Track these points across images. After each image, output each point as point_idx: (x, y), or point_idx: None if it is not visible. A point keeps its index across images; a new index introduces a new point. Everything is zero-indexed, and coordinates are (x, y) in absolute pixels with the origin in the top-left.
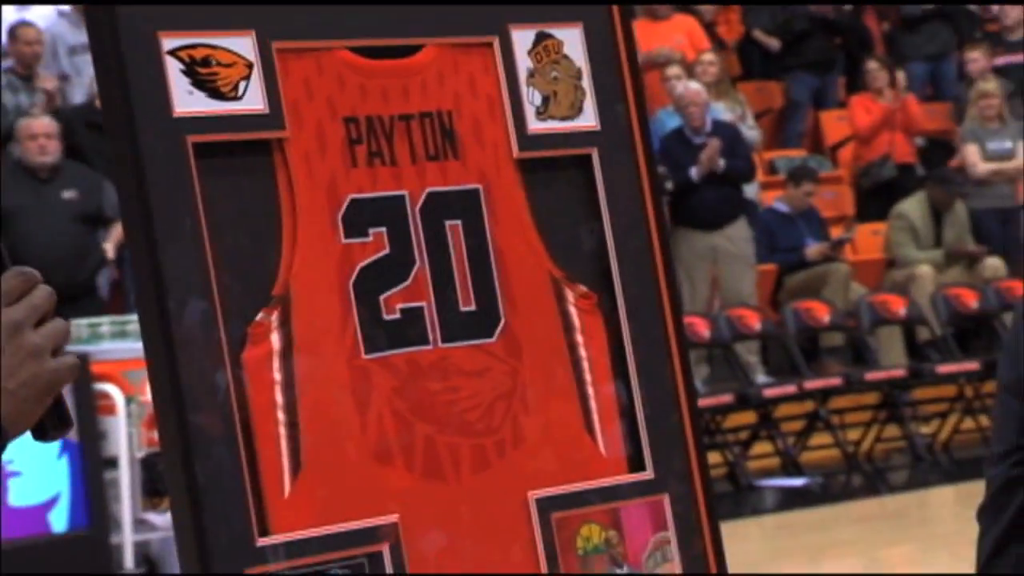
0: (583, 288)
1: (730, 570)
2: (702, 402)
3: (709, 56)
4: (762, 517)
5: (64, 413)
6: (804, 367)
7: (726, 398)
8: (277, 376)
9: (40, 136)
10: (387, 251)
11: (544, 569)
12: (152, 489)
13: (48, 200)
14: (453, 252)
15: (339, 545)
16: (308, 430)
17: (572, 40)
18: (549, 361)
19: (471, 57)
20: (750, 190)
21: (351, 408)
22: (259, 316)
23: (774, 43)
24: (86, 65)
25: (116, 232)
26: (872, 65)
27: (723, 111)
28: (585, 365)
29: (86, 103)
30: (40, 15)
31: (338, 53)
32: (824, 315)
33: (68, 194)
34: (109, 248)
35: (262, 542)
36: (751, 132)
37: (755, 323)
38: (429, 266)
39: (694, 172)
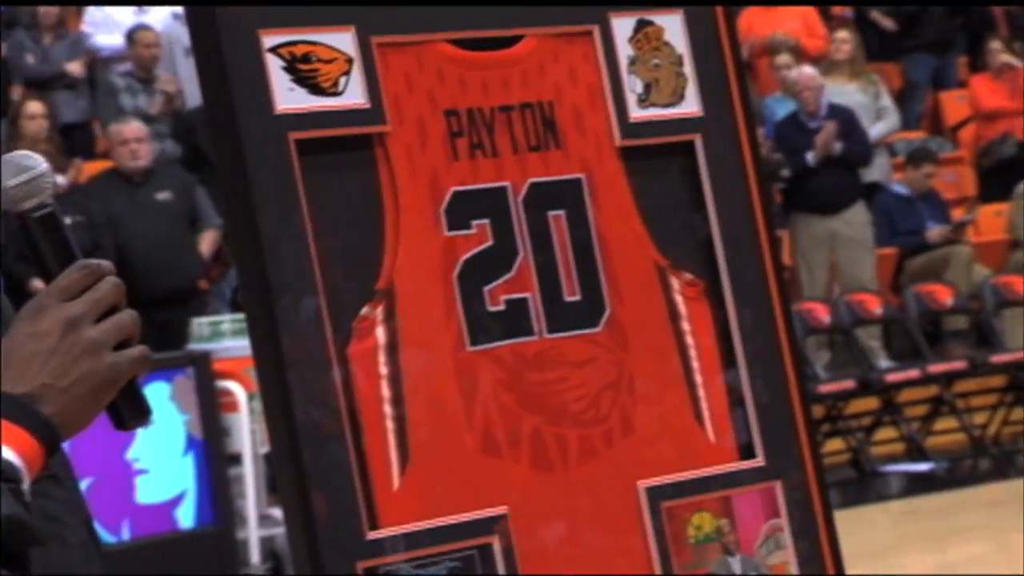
0: (689, 276)
1: (855, 557)
2: (823, 388)
3: (843, 34)
4: (887, 503)
5: (141, 402)
6: (927, 351)
7: (848, 384)
8: (383, 370)
9: (131, 141)
10: (490, 243)
11: (655, 558)
12: (276, 485)
13: (143, 203)
14: (556, 242)
15: (449, 537)
16: (415, 423)
17: (673, 26)
18: (656, 350)
19: (571, 47)
20: (877, 172)
21: (458, 400)
22: (364, 311)
23: (891, 24)
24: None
25: (210, 232)
26: (995, 44)
27: (855, 92)
28: (693, 353)
29: (200, 106)
30: (157, 18)
31: (438, 46)
32: (947, 298)
33: (162, 196)
34: (204, 248)
35: (373, 535)
36: (887, 113)
37: (876, 308)
38: (533, 257)
39: (810, 157)
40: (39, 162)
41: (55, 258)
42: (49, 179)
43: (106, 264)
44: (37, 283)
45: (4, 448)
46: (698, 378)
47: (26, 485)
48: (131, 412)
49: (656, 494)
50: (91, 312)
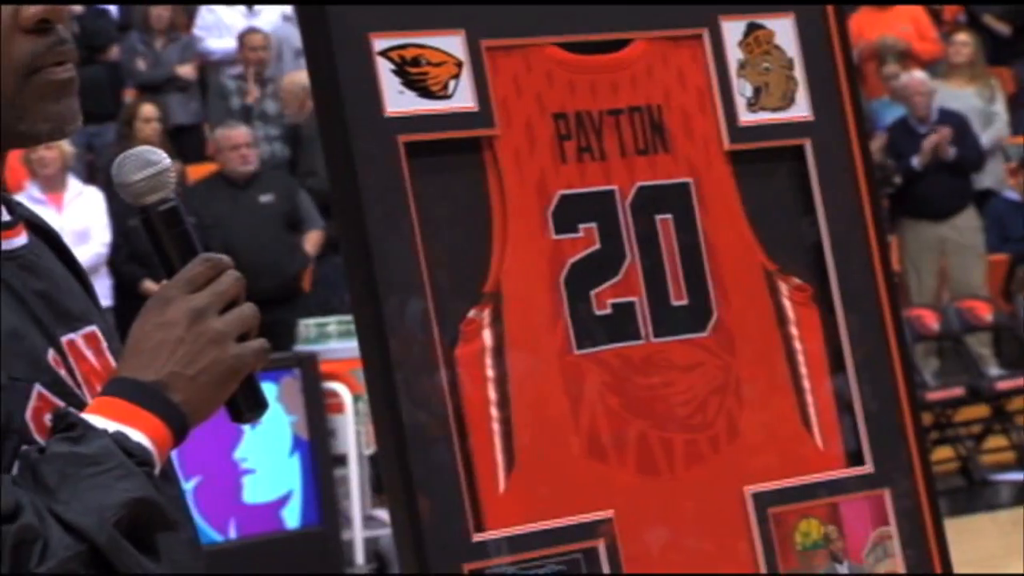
0: (797, 280)
1: (964, 566)
2: (932, 396)
3: (963, 37)
4: (996, 512)
5: (258, 395)
6: None
7: (957, 391)
8: (490, 373)
9: (241, 146)
10: (597, 246)
11: (762, 565)
12: (380, 486)
13: (247, 205)
14: (664, 246)
15: (555, 541)
16: (522, 426)
17: (783, 30)
18: (763, 354)
19: (680, 50)
20: (989, 178)
21: (564, 404)
22: (471, 313)
23: (1004, 28)
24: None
25: (314, 233)
26: None
27: (970, 96)
28: (801, 358)
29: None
30: (267, 20)
31: (547, 50)
32: None
33: (265, 198)
34: (309, 249)
35: (478, 537)
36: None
37: (986, 314)
38: (640, 261)
39: (916, 161)
40: (163, 157)
41: (177, 252)
42: (172, 174)
43: (227, 258)
44: (149, 284)
45: (136, 432)
46: (806, 383)
47: (157, 470)
48: (248, 404)
49: (763, 500)
50: (215, 303)
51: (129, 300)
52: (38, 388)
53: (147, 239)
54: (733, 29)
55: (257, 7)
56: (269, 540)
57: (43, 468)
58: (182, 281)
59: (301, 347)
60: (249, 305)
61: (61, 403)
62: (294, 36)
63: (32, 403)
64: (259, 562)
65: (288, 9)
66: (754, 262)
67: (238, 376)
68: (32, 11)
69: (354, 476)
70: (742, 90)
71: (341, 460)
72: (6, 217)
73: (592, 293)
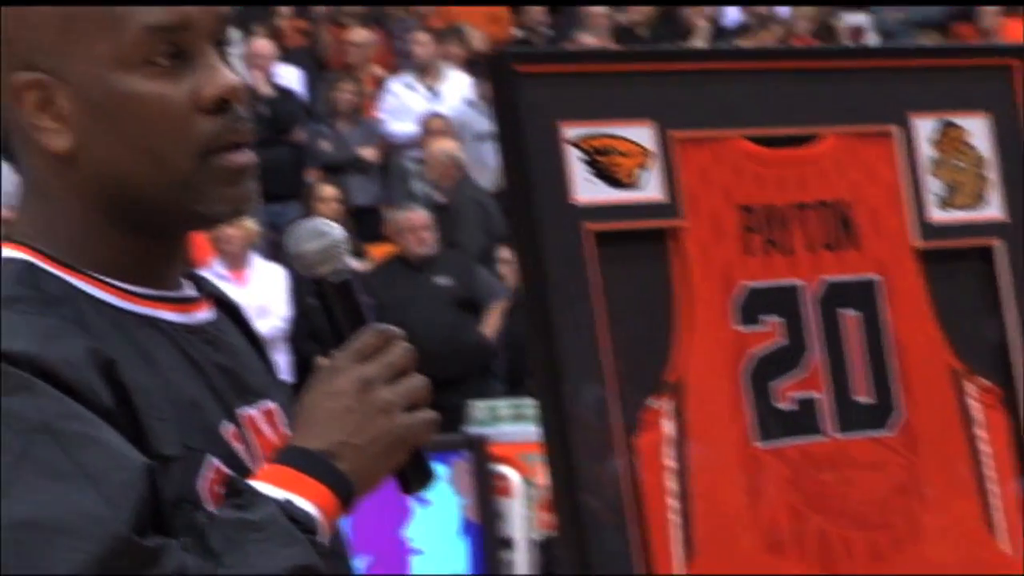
0: (985, 382)
1: None
2: None
3: None
4: None
5: (426, 465)
6: None
7: None
8: (669, 462)
9: (419, 228)
10: (781, 340)
11: None
12: (548, 572)
13: (424, 287)
14: (849, 342)
15: None
16: (700, 517)
17: (977, 129)
18: (948, 455)
19: (870, 146)
20: None
21: (743, 497)
22: (651, 402)
23: None
24: (490, 153)
25: (492, 316)
26: None
27: None
28: (986, 461)
29: (491, 190)
30: (449, 105)
31: (736, 142)
32: None
33: (442, 280)
34: (487, 332)
35: None
36: None
37: None
38: (824, 356)
39: None
40: (335, 228)
41: (349, 323)
42: (345, 246)
43: (398, 330)
44: (322, 360)
45: (303, 500)
46: (991, 487)
47: (323, 538)
48: (416, 475)
49: None
50: (384, 374)
51: (307, 376)
52: (212, 460)
53: (320, 309)
54: (924, 126)
55: (442, 91)
56: None
57: (210, 533)
58: (352, 351)
59: (472, 429)
60: (420, 377)
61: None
62: (476, 121)
63: (206, 474)
64: None
65: (471, 94)
66: (941, 362)
67: (406, 446)
68: (211, 92)
69: (521, 560)
70: (933, 188)
71: (508, 544)
72: (192, 292)
73: (775, 386)
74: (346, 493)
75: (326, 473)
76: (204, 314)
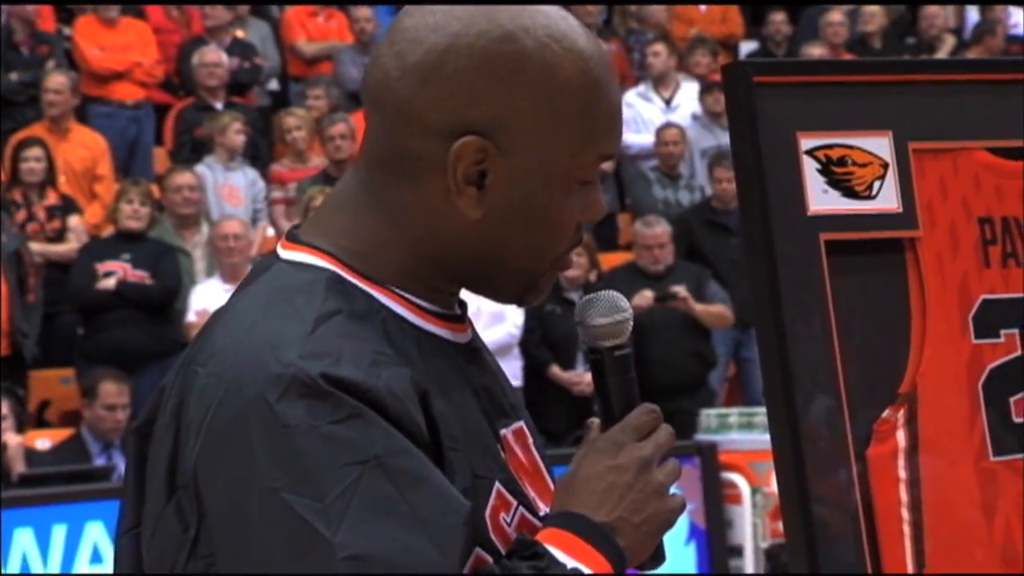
0: None
1: None
2: None
3: None
4: None
5: (662, 546)
6: None
7: None
8: (902, 474)
9: (655, 247)
10: (1019, 353)
11: None
12: None
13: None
14: None
15: None
16: (932, 530)
17: None
18: None
19: None
20: None
21: (977, 511)
22: (885, 413)
23: None
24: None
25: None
26: None
27: None
28: None
29: (702, 203)
30: (683, 116)
31: (975, 154)
32: None
33: (676, 289)
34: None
35: None
36: None
37: None
38: None
39: None
40: (628, 306)
41: (620, 396)
42: (631, 323)
43: (659, 409)
44: (556, 369)
45: (589, 571)
46: None
47: None
48: (652, 555)
49: None
50: (657, 455)
51: (537, 381)
52: (497, 486)
53: (594, 378)
54: None
55: (675, 103)
56: None
57: None
58: (630, 428)
59: (702, 436)
60: (676, 461)
61: (514, 501)
62: (701, 136)
63: (492, 501)
64: None
65: (698, 108)
66: None
67: (669, 528)
68: (593, 217)
69: (749, 568)
70: None
71: (737, 551)
72: (460, 310)
73: (1012, 400)
74: (620, 568)
75: (609, 548)
76: (469, 332)
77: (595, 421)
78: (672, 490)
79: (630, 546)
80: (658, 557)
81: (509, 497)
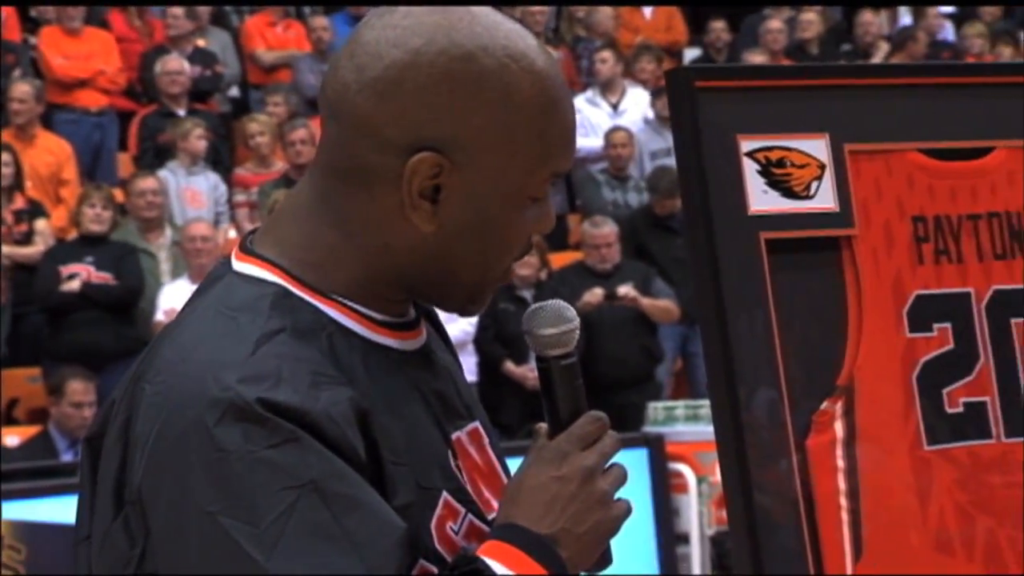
0: None
1: None
2: None
3: None
4: None
5: (608, 550)
6: None
7: None
8: (840, 463)
9: (602, 246)
10: (951, 346)
11: None
12: (720, 565)
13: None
14: (1018, 348)
15: None
16: (869, 517)
17: None
18: None
19: None
20: None
21: (912, 497)
22: (824, 405)
23: None
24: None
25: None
26: None
27: None
28: None
29: (646, 205)
30: (630, 120)
31: (909, 155)
32: None
33: (623, 290)
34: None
35: None
36: None
37: None
38: (993, 362)
39: None
40: (575, 316)
41: (567, 403)
42: (577, 333)
43: (606, 416)
44: (509, 365)
45: None
46: None
47: None
48: (598, 560)
49: None
50: (601, 464)
51: (492, 376)
52: (444, 496)
53: (541, 386)
54: None
55: (622, 108)
56: None
57: None
58: (575, 438)
59: (650, 428)
60: (620, 467)
61: (462, 509)
62: (650, 140)
63: (439, 511)
64: None
65: (649, 112)
66: None
67: (611, 536)
68: (543, 230)
69: (695, 555)
70: None
71: (683, 539)
72: (413, 314)
73: (944, 391)
74: None
75: (551, 560)
76: (423, 336)
77: (543, 427)
78: (618, 494)
79: (572, 556)
80: (605, 560)
81: (457, 506)
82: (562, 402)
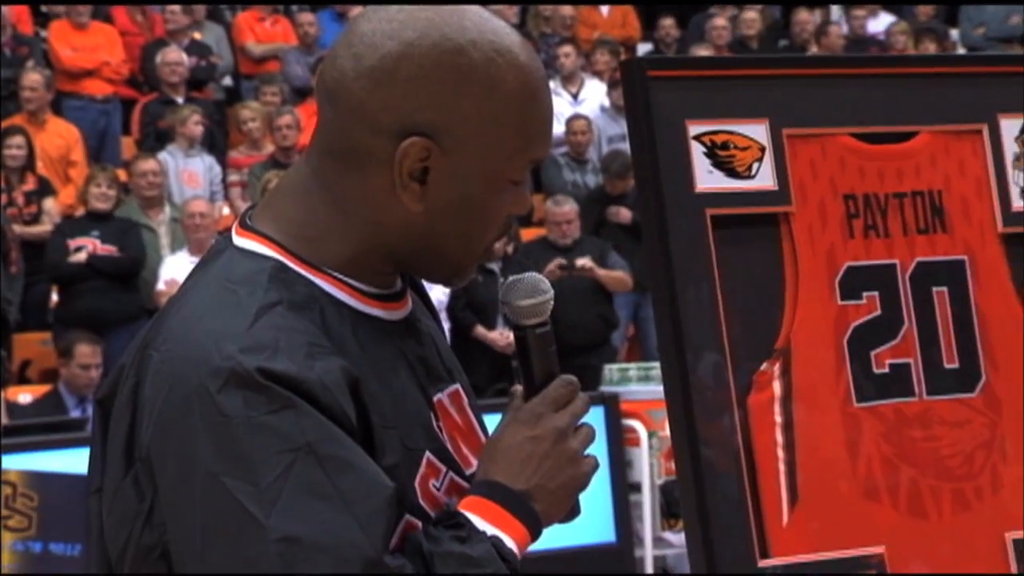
0: None
1: None
2: None
3: None
4: None
5: (576, 504)
6: None
7: None
8: (778, 419)
9: (563, 223)
10: (879, 312)
11: None
12: (669, 512)
13: (567, 267)
14: (939, 315)
15: (831, 570)
16: (804, 467)
17: None
18: None
19: (961, 142)
20: None
21: (843, 450)
22: (763, 366)
23: None
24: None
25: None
26: None
27: None
28: None
29: (600, 186)
30: (589, 108)
31: (841, 139)
32: None
33: (581, 262)
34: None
35: (763, 563)
36: None
37: None
38: (916, 327)
39: None
40: (549, 288)
41: (542, 369)
42: (551, 303)
43: (577, 380)
44: (480, 329)
45: (509, 539)
46: None
47: (520, 573)
48: (569, 510)
49: (1023, 546)
50: (572, 424)
51: (463, 341)
52: (428, 455)
53: (517, 353)
54: (1011, 126)
55: (581, 97)
56: (573, 553)
57: (437, 562)
58: (549, 400)
59: (606, 388)
60: (590, 426)
61: (443, 467)
62: (608, 126)
63: (422, 470)
64: (564, 571)
65: (606, 100)
66: (1021, 332)
67: (582, 490)
68: (521, 211)
69: (647, 502)
70: (1016, 180)
71: (636, 487)
72: (399, 285)
73: (872, 353)
74: (537, 532)
75: (527, 514)
76: (408, 306)
77: (518, 389)
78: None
79: (546, 509)
80: (574, 512)
81: (439, 464)
82: (537, 367)
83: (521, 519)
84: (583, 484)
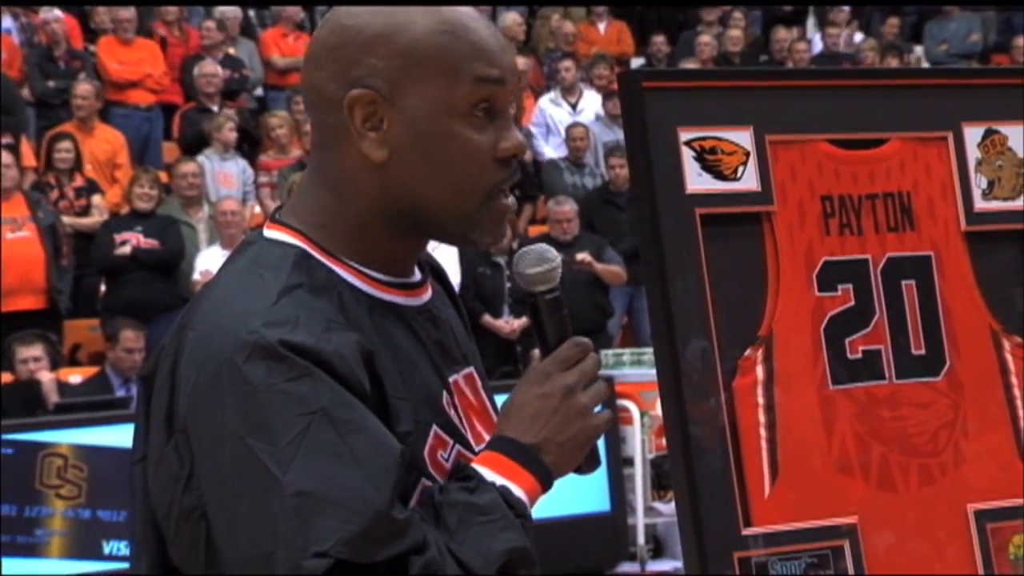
0: (1019, 339)
1: None
2: None
3: None
4: None
5: (596, 453)
6: None
7: None
8: (760, 400)
9: (563, 221)
10: (852, 303)
11: (980, 568)
12: (659, 484)
13: (566, 261)
14: (907, 306)
15: (808, 539)
16: (784, 444)
17: (1015, 135)
18: (987, 397)
19: (928, 148)
20: None
21: (819, 429)
22: (747, 352)
23: None
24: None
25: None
26: None
27: None
28: (1018, 402)
29: (601, 185)
30: (586, 118)
31: (818, 144)
32: None
33: (580, 256)
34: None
35: (746, 531)
36: None
37: None
38: (887, 316)
39: None
40: (556, 256)
41: (554, 333)
42: (560, 270)
43: (589, 341)
44: (487, 318)
45: (517, 488)
46: (1022, 423)
47: (530, 521)
48: (587, 461)
49: (983, 516)
50: (582, 381)
51: (472, 328)
52: (435, 429)
53: (531, 319)
54: (973, 133)
55: (580, 107)
56: (571, 521)
57: (445, 511)
58: (558, 360)
59: (602, 371)
60: (602, 383)
61: (450, 440)
62: (604, 133)
63: (430, 442)
64: (562, 539)
65: (601, 110)
66: (982, 322)
67: (593, 442)
68: (507, 146)
69: (639, 475)
70: (978, 183)
71: (629, 462)
72: (419, 276)
73: (846, 341)
74: (547, 482)
75: (535, 465)
76: (427, 294)
77: (536, 354)
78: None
79: (556, 461)
80: (594, 461)
81: (445, 437)
82: (550, 332)
83: (530, 469)
84: (593, 437)
